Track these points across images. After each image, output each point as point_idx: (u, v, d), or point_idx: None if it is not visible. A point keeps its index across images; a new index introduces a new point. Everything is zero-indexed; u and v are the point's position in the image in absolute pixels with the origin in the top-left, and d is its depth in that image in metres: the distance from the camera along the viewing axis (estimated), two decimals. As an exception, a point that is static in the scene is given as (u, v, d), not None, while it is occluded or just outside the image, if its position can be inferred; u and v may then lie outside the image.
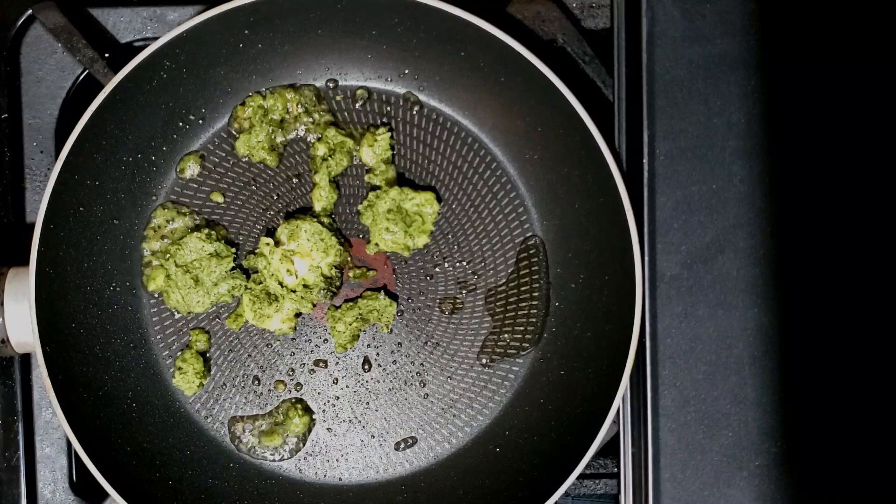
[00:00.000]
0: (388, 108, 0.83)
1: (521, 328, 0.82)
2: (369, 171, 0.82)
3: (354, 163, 0.83)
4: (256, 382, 0.82)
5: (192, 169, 0.82)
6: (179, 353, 0.80)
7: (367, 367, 0.82)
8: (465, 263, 0.83)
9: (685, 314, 0.71)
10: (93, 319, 0.78)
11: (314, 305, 0.80)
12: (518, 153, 0.82)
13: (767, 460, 0.70)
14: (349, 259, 0.82)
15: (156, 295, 0.80)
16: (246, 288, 0.79)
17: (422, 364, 0.82)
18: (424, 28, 0.77)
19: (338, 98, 0.83)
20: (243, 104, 0.82)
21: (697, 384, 0.70)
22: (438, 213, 0.82)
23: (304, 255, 0.78)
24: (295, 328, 0.80)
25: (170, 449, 0.79)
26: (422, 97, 0.83)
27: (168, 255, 0.79)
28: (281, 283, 0.78)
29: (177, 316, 0.81)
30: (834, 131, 0.71)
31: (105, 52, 0.80)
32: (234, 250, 0.80)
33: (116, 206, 0.79)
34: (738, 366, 0.70)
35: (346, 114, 0.83)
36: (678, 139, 0.71)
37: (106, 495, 0.74)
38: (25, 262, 0.72)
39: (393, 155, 0.83)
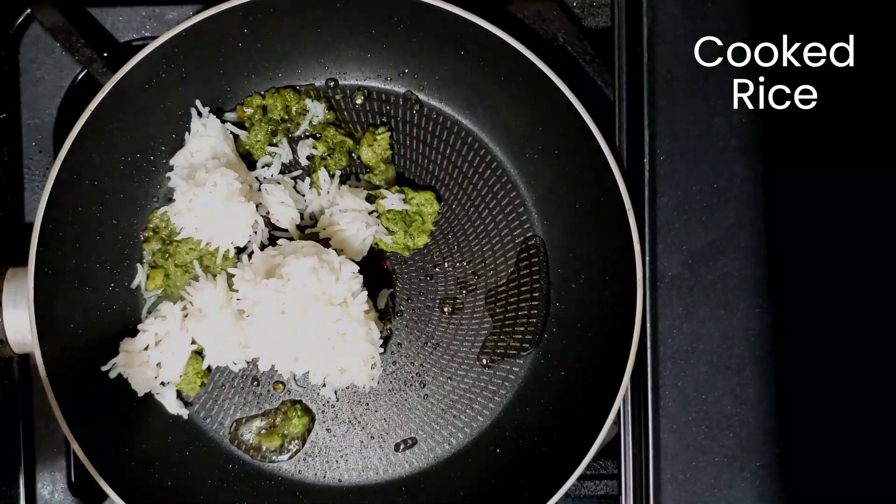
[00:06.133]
0: (388, 108, 0.83)
1: (522, 328, 0.82)
2: (369, 170, 0.82)
3: (354, 162, 0.83)
4: (256, 383, 0.81)
5: (191, 169, 0.81)
6: (179, 354, 0.80)
7: (366, 367, 0.82)
8: (465, 263, 0.83)
9: (686, 314, 0.70)
10: (92, 319, 0.77)
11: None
12: (518, 153, 0.82)
13: (769, 461, 0.69)
14: None
15: (155, 294, 0.80)
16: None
17: (422, 365, 0.82)
18: (424, 27, 0.77)
19: (338, 97, 0.83)
20: (243, 104, 0.81)
21: (698, 385, 0.70)
22: (438, 213, 0.81)
23: None
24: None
25: (169, 449, 0.79)
26: (422, 97, 0.83)
27: (168, 255, 0.79)
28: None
29: (176, 316, 0.81)
30: (835, 131, 0.71)
31: (104, 51, 0.80)
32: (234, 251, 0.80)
33: (116, 207, 0.78)
34: (740, 366, 0.70)
35: (345, 113, 0.83)
36: (679, 138, 0.71)
37: (105, 496, 0.73)
38: (24, 263, 0.72)
39: (393, 155, 0.83)
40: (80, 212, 0.76)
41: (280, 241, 0.76)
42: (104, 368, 0.76)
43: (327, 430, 0.81)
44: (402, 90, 0.83)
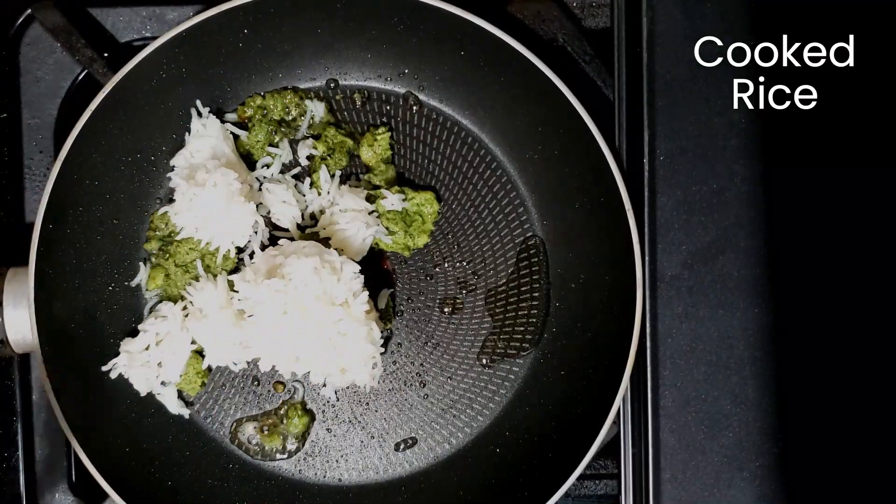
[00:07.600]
0: (388, 108, 0.83)
1: (522, 328, 0.82)
2: (369, 170, 0.82)
3: (354, 162, 0.83)
4: (256, 383, 0.81)
5: (191, 169, 0.81)
6: (179, 354, 0.80)
7: (366, 367, 0.82)
8: (465, 263, 0.83)
9: (686, 314, 0.70)
10: (93, 319, 0.77)
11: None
12: (518, 153, 0.82)
13: (768, 461, 0.69)
14: None
15: (155, 294, 0.80)
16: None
17: (422, 364, 0.82)
18: (424, 27, 0.77)
19: (338, 98, 0.83)
20: (243, 104, 0.81)
21: (698, 384, 0.70)
22: (438, 213, 0.82)
23: None
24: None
25: (169, 449, 0.79)
26: (422, 97, 0.83)
27: (168, 255, 0.79)
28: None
29: (176, 316, 0.81)
30: (835, 131, 0.71)
31: (104, 51, 0.80)
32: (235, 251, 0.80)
33: (116, 206, 0.79)
34: (739, 366, 0.70)
35: (346, 113, 0.83)
36: (679, 139, 0.71)
37: (105, 496, 0.73)
38: (24, 263, 0.72)
39: (393, 155, 0.83)
40: (80, 212, 0.76)
41: (281, 241, 0.76)
42: (105, 368, 0.76)
43: (327, 429, 0.81)
44: (402, 91, 0.83)
